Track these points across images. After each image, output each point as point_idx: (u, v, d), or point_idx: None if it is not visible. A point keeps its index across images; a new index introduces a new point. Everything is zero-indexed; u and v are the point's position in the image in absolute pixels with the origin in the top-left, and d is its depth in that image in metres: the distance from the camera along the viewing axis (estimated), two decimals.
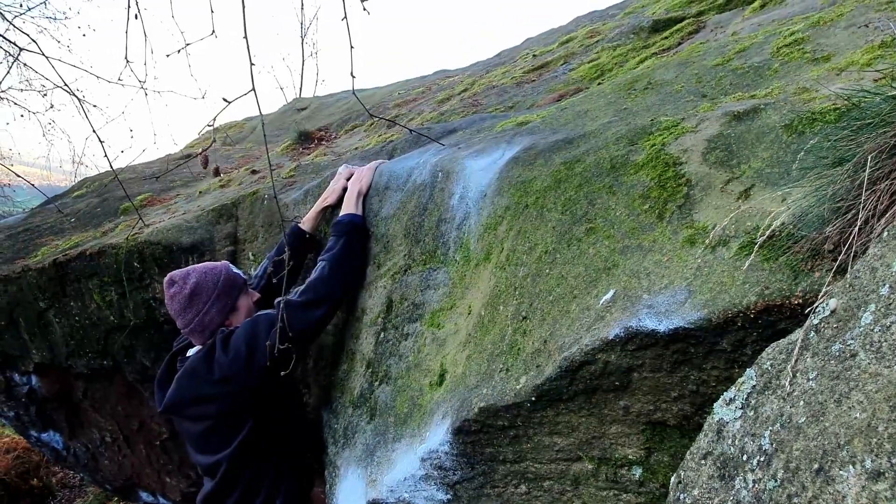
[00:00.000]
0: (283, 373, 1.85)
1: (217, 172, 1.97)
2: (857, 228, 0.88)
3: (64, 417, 3.91)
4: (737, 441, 0.83)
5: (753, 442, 0.79)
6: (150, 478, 3.98)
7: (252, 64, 0.97)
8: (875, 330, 0.71)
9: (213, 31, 1.09)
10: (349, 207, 2.39)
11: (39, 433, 4.04)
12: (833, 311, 0.80)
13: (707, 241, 1.28)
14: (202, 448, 2.27)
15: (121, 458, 3.98)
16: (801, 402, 0.74)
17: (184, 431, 2.35)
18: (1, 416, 4.20)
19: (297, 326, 2.09)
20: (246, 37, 0.95)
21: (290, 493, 2.29)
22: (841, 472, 0.64)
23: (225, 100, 0.99)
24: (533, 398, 1.39)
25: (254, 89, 0.96)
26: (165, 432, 3.70)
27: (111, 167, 1.33)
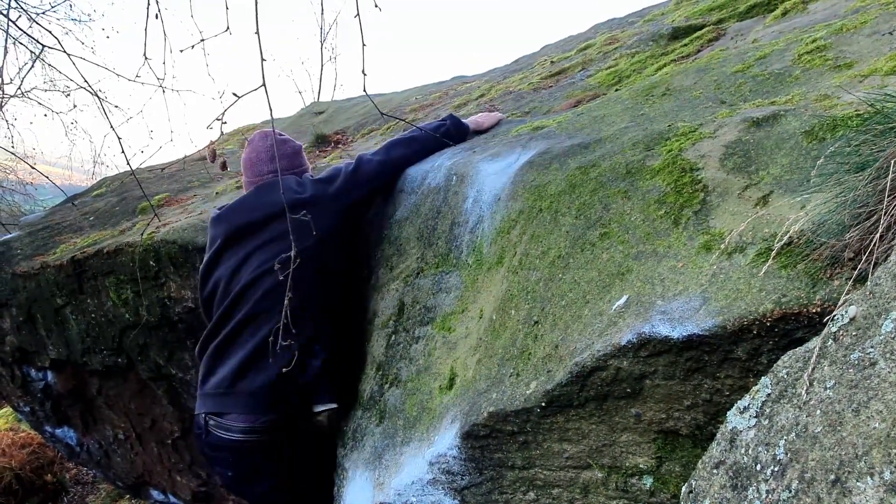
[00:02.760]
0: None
1: (224, 166, 2.01)
2: (878, 235, 0.85)
3: (78, 414, 3.95)
4: (750, 450, 0.80)
5: (768, 451, 0.77)
6: (161, 476, 4.00)
7: (263, 59, 0.97)
8: None
9: (228, 28, 1.10)
10: (471, 120, 2.62)
11: (54, 429, 4.08)
12: (852, 319, 0.77)
13: (723, 248, 1.26)
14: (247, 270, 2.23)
15: (133, 456, 4.01)
16: (818, 412, 0.72)
17: (245, 259, 2.30)
18: (17, 410, 4.25)
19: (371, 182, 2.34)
20: (258, 32, 0.95)
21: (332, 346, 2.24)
22: (858, 483, 0.62)
23: (235, 94, 0.99)
24: (543, 404, 1.37)
25: (264, 84, 0.97)
26: (177, 431, 3.72)
27: (129, 165, 1.34)
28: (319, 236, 2.07)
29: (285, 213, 2.06)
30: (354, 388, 2.27)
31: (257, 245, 2.25)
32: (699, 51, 2.98)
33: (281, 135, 2.54)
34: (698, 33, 3.18)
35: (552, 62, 4.13)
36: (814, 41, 2.02)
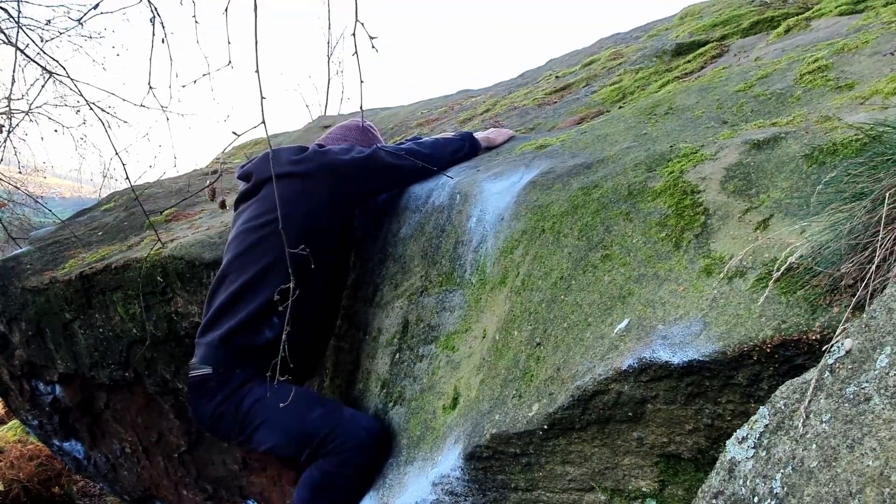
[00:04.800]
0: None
1: (223, 206, 2.09)
2: (874, 267, 0.86)
3: (86, 427, 3.97)
4: (748, 482, 0.81)
5: (765, 484, 0.77)
6: (167, 490, 4.01)
7: (263, 98, 1.00)
8: (890, 374, 0.70)
9: (230, 62, 1.12)
10: (483, 136, 2.67)
11: (62, 442, 4.10)
12: (848, 352, 0.78)
13: (724, 272, 1.26)
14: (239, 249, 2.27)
15: (139, 470, 4.02)
16: (814, 446, 0.73)
17: (235, 220, 2.40)
18: (25, 424, 4.27)
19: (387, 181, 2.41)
20: (258, 71, 0.98)
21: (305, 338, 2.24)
22: None
23: (234, 133, 1.02)
24: (545, 426, 1.38)
25: (263, 122, 0.99)
26: (184, 445, 3.74)
27: (132, 188, 1.37)
28: (301, 208, 2.15)
29: (272, 181, 2.14)
30: (359, 405, 2.27)
31: (243, 209, 2.36)
32: (702, 67, 2.99)
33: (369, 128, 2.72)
34: (702, 49, 3.20)
35: (557, 77, 4.15)
36: (815, 60, 2.03)
